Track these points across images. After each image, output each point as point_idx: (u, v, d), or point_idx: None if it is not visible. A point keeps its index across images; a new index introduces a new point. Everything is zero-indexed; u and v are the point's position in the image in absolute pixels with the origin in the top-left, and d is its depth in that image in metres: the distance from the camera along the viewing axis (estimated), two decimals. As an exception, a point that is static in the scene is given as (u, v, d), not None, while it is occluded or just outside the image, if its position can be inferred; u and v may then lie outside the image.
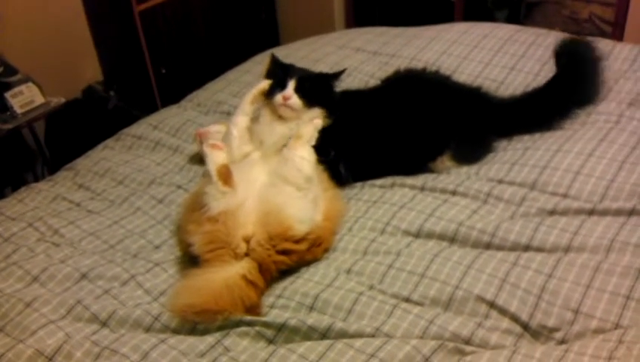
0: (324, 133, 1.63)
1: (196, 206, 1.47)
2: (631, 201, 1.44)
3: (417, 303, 1.30)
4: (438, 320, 1.24)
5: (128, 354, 1.23)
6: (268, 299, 1.37)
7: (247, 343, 1.27)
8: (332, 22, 3.73)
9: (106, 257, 1.53)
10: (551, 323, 1.21)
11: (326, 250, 1.48)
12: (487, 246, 1.41)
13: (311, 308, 1.32)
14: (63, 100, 2.67)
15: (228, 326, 1.29)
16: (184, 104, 2.29)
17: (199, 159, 1.90)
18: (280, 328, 1.27)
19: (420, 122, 1.71)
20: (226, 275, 1.35)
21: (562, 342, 1.19)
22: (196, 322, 1.31)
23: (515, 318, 1.23)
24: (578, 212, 1.44)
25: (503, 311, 1.24)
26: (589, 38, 2.04)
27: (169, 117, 2.18)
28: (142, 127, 2.14)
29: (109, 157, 1.99)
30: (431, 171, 1.70)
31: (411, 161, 1.72)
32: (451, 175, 1.67)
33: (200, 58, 3.46)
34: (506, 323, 1.23)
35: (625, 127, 1.68)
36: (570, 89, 1.82)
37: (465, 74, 2.07)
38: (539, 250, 1.37)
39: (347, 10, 3.76)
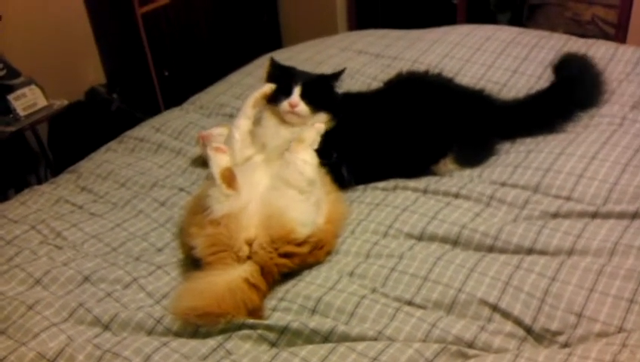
0: (326, 136, 1.63)
1: (199, 209, 1.46)
2: (634, 204, 1.44)
3: (420, 306, 1.30)
4: (441, 324, 1.23)
5: (130, 357, 1.22)
6: (270, 302, 1.37)
7: (249, 346, 1.26)
8: (334, 24, 3.73)
9: (108, 260, 1.53)
10: (554, 327, 1.21)
11: (328, 253, 1.48)
12: (490, 249, 1.41)
13: (313, 311, 1.32)
14: (65, 103, 2.68)
15: (230, 329, 1.29)
16: (186, 107, 2.29)
17: (202, 162, 1.90)
18: (282, 331, 1.26)
19: (422, 125, 1.71)
20: (229, 278, 1.34)
21: (565, 345, 1.19)
22: (198, 325, 1.30)
23: (518, 322, 1.23)
24: (581, 215, 1.44)
25: (506, 315, 1.24)
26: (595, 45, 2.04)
27: (171, 119, 2.18)
28: (144, 130, 2.14)
29: (112, 159, 1.99)
30: (433, 174, 1.70)
31: (414, 163, 1.71)
32: (454, 178, 1.67)
33: (202, 60, 3.47)
34: (509, 326, 1.23)
35: (628, 130, 1.68)
36: (573, 92, 1.82)
37: (467, 76, 2.07)
38: (542, 253, 1.37)
39: (349, 13, 3.76)
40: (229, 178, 1.43)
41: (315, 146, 1.56)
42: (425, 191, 1.63)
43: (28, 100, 2.54)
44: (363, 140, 1.71)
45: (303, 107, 1.64)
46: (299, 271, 1.43)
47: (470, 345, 1.19)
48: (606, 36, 3.14)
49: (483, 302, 1.27)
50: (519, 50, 2.16)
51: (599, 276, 1.28)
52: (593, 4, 3.28)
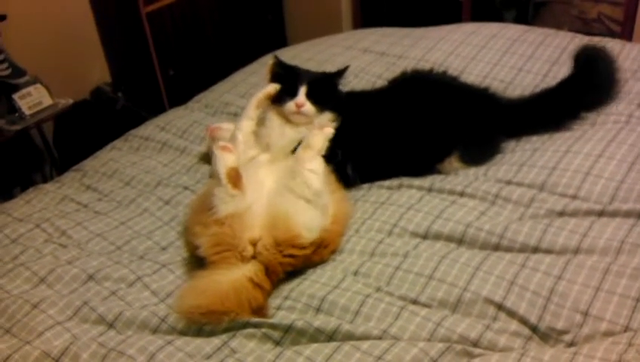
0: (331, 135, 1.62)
1: (203, 207, 1.46)
2: (641, 202, 1.43)
3: (425, 305, 1.29)
4: (446, 322, 1.23)
5: (135, 355, 1.22)
6: (274, 301, 1.36)
7: (253, 345, 1.26)
8: (339, 23, 3.73)
9: (112, 258, 1.53)
10: (560, 326, 1.20)
11: (333, 252, 1.47)
12: (496, 247, 1.40)
13: (318, 310, 1.31)
14: (71, 101, 2.69)
15: (234, 327, 1.29)
16: (191, 105, 2.29)
17: (207, 158, 1.90)
18: (287, 330, 1.26)
19: (427, 123, 1.70)
20: (233, 277, 1.34)
21: (571, 344, 1.18)
22: (203, 323, 1.30)
23: (523, 320, 1.22)
24: (587, 213, 1.43)
25: (511, 313, 1.24)
26: (602, 43, 2.01)
27: (176, 118, 2.18)
28: (149, 129, 2.15)
29: (117, 158, 1.99)
30: (439, 172, 1.69)
31: (419, 162, 1.71)
32: (459, 176, 1.66)
33: (207, 59, 3.47)
34: (514, 325, 1.22)
35: (635, 128, 1.67)
36: (582, 91, 1.80)
37: (473, 75, 2.06)
38: (548, 251, 1.36)
39: (354, 11, 3.75)
40: (235, 178, 1.43)
41: (323, 153, 1.52)
42: (430, 190, 1.62)
43: (33, 99, 2.54)
44: (368, 139, 1.70)
45: (309, 107, 1.64)
46: (303, 269, 1.43)
47: (475, 344, 1.19)
48: (612, 34, 3.13)
49: (488, 301, 1.26)
50: (525, 48, 2.15)
51: (605, 275, 1.27)
52: (599, 2, 3.27)
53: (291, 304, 1.34)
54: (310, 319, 1.28)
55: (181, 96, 2.56)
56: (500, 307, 1.25)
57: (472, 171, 1.67)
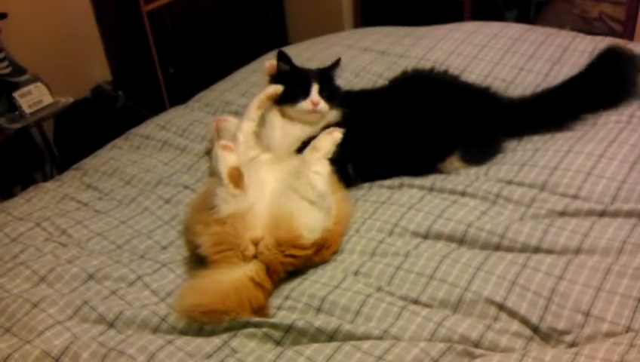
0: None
1: (204, 206, 1.46)
2: (642, 203, 1.43)
3: (426, 305, 1.29)
4: (447, 323, 1.23)
5: (135, 355, 1.22)
6: (275, 301, 1.36)
7: (254, 344, 1.26)
8: (340, 22, 3.72)
9: (113, 258, 1.53)
10: (561, 326, 1.20)
11: (334, 253, 1.47)
12: (497, 247, 1.40)
13: (318, 310, 1.31)
14: (71, 100, 2.68)
15: (235, 327, 1.29)
16: (192, 104, 2.29)
17: (210, 152, 1.89)
18: (287, 329, 1.26)
19: (428, 122, 1.70)
20: (234, 276, 1.34)
21: (573, 345, 1.18)
22: (203, 323, 1.30)
23: (524, 321, 1.22)
24: (589, 213, 1.43)
25: (512, 314, 1.23)
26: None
27: (176, 117, 2.18)
28: (150, 127, 2.14)
29: (117, 157, 1.99)
30: (440, 172, 1.69)
31: (420, 161, 1.70)
32: (460, 176, 1.66)
33: (208, 58, 3.46)
34: (515, 325, 1.22)
35: (636, 128, 1.66)
36: (589, 93, 1.78)
37: (474, 74, 2.05)
38: (549, 251, 1.36)
39: (355, 10, 3.75)
40: (237, 177, 1.42)
41: (330, 156, 1.52)
42: (431, 189, 1.62)
43: (33, 97, 2.54)
44: (369, 138, 1.70)
45: (323, 104, 1.64)
46: (304, 269, 1.43)
47: (476, 345, 1.19)
48: (613, 33, 3.12)
49: (489, 301, 1.26)
50: (526, 48, 2.15)
51: (607, 275, 1.27)
52: (601, 1, 3.27)
53: (292, 304, 1.34)
54: (311, 319, 1.27)
55: (181, 94, 2.55)
56: (501, 307, 1.25)
57: (473, 171, 1.66)
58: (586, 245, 1.35)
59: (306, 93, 1.64)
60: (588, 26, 3.24)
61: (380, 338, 1.22)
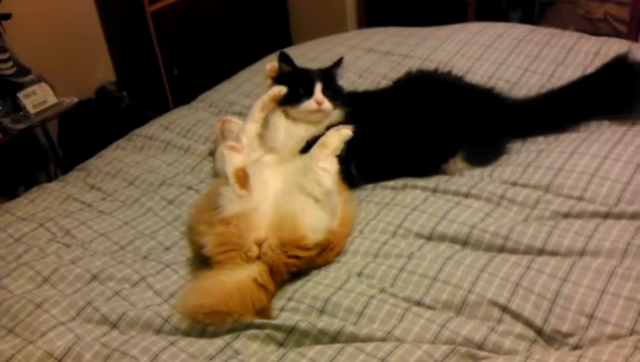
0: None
1: (209, 207, 1.46)
2: (647, 205, 1.42)
3: (429, 307, 1.29)
4: (451, 325, 1.22)
5: (138, 356, 1.22)
6: (278, 302, 1.36)
7: (256, 346, 1.26)
8: (344, 22, 3.72)
9: (116, 258, 1.53)
10: (565, 329, 1.20)
11: (338, 254, 1.47)
12: (501, 249, 1.39)
13: (321, 312, 1.31)
14: (75, 100, 2.69)
15: (238, 328, 1.29)
16: (195, 105, 2.29)
17: (214, 152, 1.89)
18: (290, 331, 1.26)
19: (431, 123, 1.70)
20: (238, 278, 1.34)
21: (576, 347, 1.17)
22: (206, 324, 1.30)
23: (528, 323, 1.21)
24: (593, 215, 1.42)
25: (516, 316, 1.23)
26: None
27: (180, 117, 2.18)
28: (153, 128, 2.14)
29: (121, 157, 1.99)
30: (443, 173, 1.69)
31: (423, 162, 1.70)
32: (464, 177, 1.65)
33: (212, 59, 3.47)
34: (519, 327, 1.21)
35: (641, 129, 1.66)
36: (594, 99, 1.77)
37: (478, 74, 2.05)
38: (553, 253, 1.35)
39: (359, 11, 3.75)
40: (242, 178, 1.42)
41: (338, 153, 1.50)
42: (434, 191, 1.61)
43: (38, 98, 2.54)
44: (372, 139, 1.69)
45: (327, 104, 1.63)
46: (307, 270, 1.43)
47: (480, 347, 1.18)
48: (618, 34, 3.11)
49: (493, 303, 1.25)
50: (531, 48, 2.14)
51: (611, 277, 1.26)
52: (605, 2, 3.25)
53: (295, 305, 1.34)
54: (314, 320, 1.27)
55: (185, 95, 2.56)
56: (504, 309, 1.24)
57: (477, 172, 1.66)
58: (590, 247, 1.34)
59: (309, 93, 1.63)
60: (592, 27, 3.23)
61: (383, 339, 1.21)
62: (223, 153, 1.45)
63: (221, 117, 2.02)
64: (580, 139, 1.66)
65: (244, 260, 1.37)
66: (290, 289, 1.39)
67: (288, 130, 1.65)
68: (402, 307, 1.28)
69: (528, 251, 1.37)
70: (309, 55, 2.35)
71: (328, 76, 1.71)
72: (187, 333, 1.30)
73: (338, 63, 1.75)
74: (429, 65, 2.09)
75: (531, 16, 3.50)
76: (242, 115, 2.01)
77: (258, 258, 1.38)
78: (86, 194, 1.82)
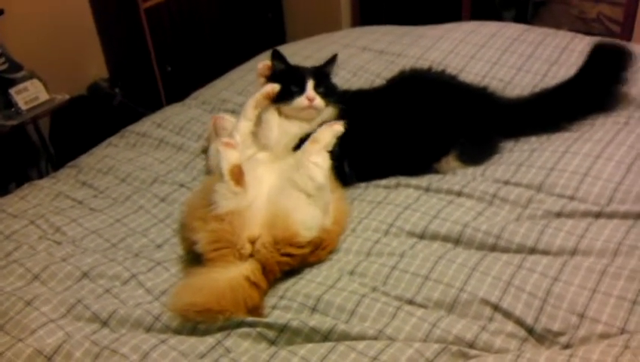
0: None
1: (203, 203, 1.45)
2: (639, 204, 1.42)
3: (421, 305, 1.29)
4: (442, 323, 1.22)
5: (128, 354, 1.22)
6: (270, 300, 1.36)
7: (248, 344, 1.25)
8: (338, 20, 3.72)
9: (107, 256, 1.52)
10: (556, 327, 1.20)
11: (330, 252, 1.46)
12: (493, 248, 1.39)
13: (313, 310, 1.31)
14: (67, 97, 2.67)
15: (229, 326, 1.28)
16: (189, 102, 2.28)
17: (207, 150, 1.89)
18: (282, 329, 1.25)
19: (425, 122, 1.70)
20: (230, 276, 1.33)
21: (567, 346, 1.18)
22: (197, 322, 1.29)
23: (519, 322, 1.22)
24: (585, 214, 1.42)
25: (507, 315, 1.23)
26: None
27: (173, 115, 2.17)
28: (146, 125, 2.14)
29: (113, 154, 1.98)
30: (436, 172, 1.69)
31: (416, 161, 1.70)
32: (457, 176, 1.65)
33: (206, 56, 3.45)
34: (510, 326, 1.21)
35: (633, 129, 1.66)
36: (584, 95, 1.78)
37: (472, 73, 2.05)
38: (545, 252, 1.36)
39: (353, 9, 3.75)
40: (238, 175, 1.42)
41: (330, 148, 1.50)
42: (427, 189, 1.61)
43: (30, 94, 2.53)
44: (365, 137, 1.69)
45: (319, 100, 1.63)
46: (299, 268, 1.42)
47: (471, 345, 1.18)
48: (611, 34, 3.12)
49: (484, 302, 1.25)
50: (524, 48, 2.15)
51: (602, 276, 1.26)
52: (599, 2, 3.27)
53: (287, 303, 1.33)
54: (305, 319, 1.27)
55: (178, 92, 2.55)
56: (496, 308, 1.24)
57: (470, 171, 1.66)
58: (581, 246, 1.35)
59: (301, 90, 1.63)
60: (586, 27, 3.24)
61: (375, 338, 1.21)
62: (218, 150, 1.44)
63: (214, 114, 2.01)
64: (573, 138, 1.67)
65: (237, 258, 1.37)
66: (282, 287, 1.38)
67: (282, 128, 1.65)
68: (394, 305, 1.28)
69: (520, 250, 1.37)
70: (302, 53, 2.35)
71: (321, 73, 1.70)
72: (178, 331, 1.30)
73: (331, 61, 1.75)
74: (423, 64, 2.09)
75: (525, 16, 3.51)
76: (235, 112, 2.01)
77: (251, 256, 1.37)
78: (77, 192, 1.81)
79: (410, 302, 1.29)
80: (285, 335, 1.25)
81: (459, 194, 1.57)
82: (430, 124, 1.70)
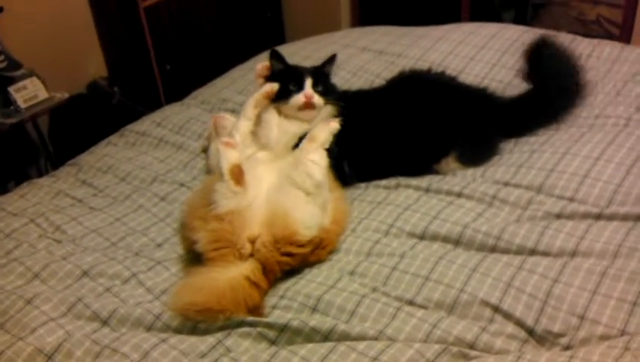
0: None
1: (203, 202, 1.45)
2: (638, 206, 1.43)
3: (421, 306, 1.29)
4: (442, 324, 1.22)
5: (129, 353, 1.22)
6: (270, 300, 1.36)
7: (248, 344, 1.25)
8: (338, 21, 3.72)
9: (107, 255, 1.52)
10: (556, 329, 1.20)
11: (330, 252, 1.46)
12: (493, 249, 1.40)
13: (313, 310, 1.31)
14: (66, 95, 2.68)
15: (230, 326, 1.28)
16: (188, 101, 2.28)
17: (207, 149, 1.89)
18: (282, 329, 1.26)
19: (424, 123, 1.70)
20: (230, 275, 1.33)
21: (567, 347, 1.18)
22: (198, 321, 1.30)
23: (520, 323, 1.22)
24: (585, 216, 1.43)
25: (507, 316, 1.23)
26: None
27: (173, 114, 2.17)
28: (145, 124, 2.13)
29: (113, 153, 1.98)
30: (436, 173, 1.69)
31: (416, 162, 1.70)
32: (457, 177, 1.66)
33: (205, 55, 3.45)
34: (510, 327, 1.22)
35: (633, 131, 1.67)
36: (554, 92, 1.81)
37: (472, 75, 2.05)
38: (545, 254, 1.36)
39: (353, 10, 3.75)
40: (238, 174, 1.42)
41: (327, 146, 1.51)
42: (427, 190, 1.62)
43: (29, 92, 2.53)
44: (365, 138, 1.70)
45: (317, 98, 1.63)
46: (300, 268, 1.42)
47: (471, 346, 1.19)
48: (610, 36, 3.13)
49: (484, 303, 1.26)
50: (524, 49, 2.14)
51: (602, 278, 1.27)
52: (598, 4, 3.27)
53: (287, 303, 1.33)
54: (306, 319, 1.27)
55: (178, 91, 2.54)
56: (496, 309, 1.24)
57: (470, 172, 1.66)
58: (582, 248, 1.35)
59: (299, 89, 1.64)
60: (585, 29, 3.25)
61: (375, 338, 1.21)
62: (218, 149, 1.44)
63: (214, 114, 2.01)
64: (572, 140, 1.67)
65: (237, 257, 1.37)
66: (282, 287, 1.39)
67: (281, 127, 1.65)
68: (394, 306, 1.28)
69: (520, 251, 1.38)
70: (302, 53, 2.35)
71: (319, 73, 1.71)
72: (178, 331, 1.30)
73: (330, 60, 1.75)
74: (423, 65, 2.09)
75: (524, 17, 3.51)
76: (235, 112, 2.00)
77: (251, 255, 1.37)
78: (77, 190, 1.81)
79: (411, 303, 1.30)
80: (286, 335, 1.25)
81: (459, 195, 1.57)
82: (430, 125, 1.70)
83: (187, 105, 2.24)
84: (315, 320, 1.26)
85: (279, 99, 1.65)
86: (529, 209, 1.49)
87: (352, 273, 1.39)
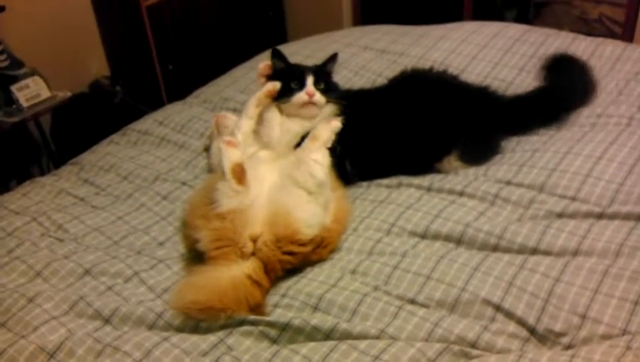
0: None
1: (205, 201, 1.45)
2: (640, 205, 1.43)
3: (423, 305, 1.29)
4: (444, 323, 1.22)
5: (130, 351, 1.22)
6: (272, 299, 1.36)
7: (250, 342, 1.26)
8: (340, 19, 3.72)
9: (109, 253, 1.52)
10: (558, 328, 1.20)
11: (332, 251, 1.47)
12: (494, 248, 1.40)
13: (315, 308, 1.31)
14: (69, 94, 2.68)
15: (231, 324, 1.28)
16: (190, 100, 2.28)
17: (209, 148, 1.89)
18: (284, 328, 1.26)
19: (426, 122, 1.70)
20: (232, 274, 1.34)
21: (569, 347, 1.18)
22: (199, 320, 1.30)
23: (521, 322, 1.22)
24: (587, 215, 1.43)
25: (509, 315, 1.23)
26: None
27: (175, 113, 2.17)
28: (147, 123, 2.13)
29: (115, 152, 1.98)
30: (438, 171, 1.69)
31: (418, 160, 1.70)
32: (459, 175, 1.66)
33: (207, 55, 3.45)
34: (512, 326, 1.22)
35: (635, 131, 1.66)
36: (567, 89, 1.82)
37: (474, 74, 2.05)
38: (546, 253, 1.36)
39: (355, 9, 3.75)
40: (240, 173, 1.42)
41: (329, 145, 1.51)
42: (429, 189, 1.62)
43: (31, 91, 2.53)
44: (367, 137, 1.70)
45: (319, 96, 1.63)
46: (301, 267, 1.42)
47: (473, 345, 1.19)
48: (613, 35, 3.12)
49: (486, 302, 1.26)
50: (526, 48, 2.15)
51: (604, 277, 1.27)
52: (600, 3, 3.26)
53: (289, 302, 1.33)
54: (307, 317, 1.27)
55: (180, 90, 2.55)
56: (497, 308, 1.24)
57: (472, 171, 1.66)
58: (583, 247, 1.35)
59: (301, 86, 1.63)
60: (587, 28, 3.24)
61: (377, 337, 1.21)
62: (220, 148, 1.44)
63: (216, 113, 2.01)
64: (575, 139, 1.67)
65: (239, 256, 1.37)
66: (284, 285, 1.39)
67: (283, 126, 1.65)
68: (396, 305, 1.28)
69: (522, 250, 1.38)
70: (303, 52, 2.35)
71: (321, 71, 1.71)
72: (180, 329, 1.30)
73: (332, 59, 1.75)
74: (425, 64, 2.09)
75: (526, 16, 3.50)
76: (237, 110, 2.00)
77: (253, 254, 1.37)
78: (79, 189, 1.81)
79: (412, 302, 1.30)
80: (287, 333, 1.25)
81: (461, 194, 1.57)
82: (432, 124, 1.70)
83: (189, 104, 2.24)
84: (317, 319, 1.26)
85: (281, 97, 1.65)
86: (531, 208, 1.49)
87: (353, 272, 1.39)
